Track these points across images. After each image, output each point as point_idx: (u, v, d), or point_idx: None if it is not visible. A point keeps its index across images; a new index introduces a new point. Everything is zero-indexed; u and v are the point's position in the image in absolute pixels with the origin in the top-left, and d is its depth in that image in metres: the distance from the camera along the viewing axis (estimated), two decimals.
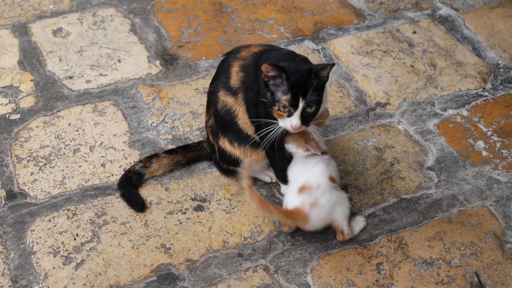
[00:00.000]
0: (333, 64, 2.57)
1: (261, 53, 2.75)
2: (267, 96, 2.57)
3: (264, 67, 2.49)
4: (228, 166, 2.95)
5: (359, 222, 2.83)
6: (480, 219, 2.89)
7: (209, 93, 2.90)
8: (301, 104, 2.53)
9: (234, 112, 2.75)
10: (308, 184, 2.67)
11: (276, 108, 2.55)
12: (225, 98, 2.76)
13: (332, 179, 2.73)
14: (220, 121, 2.81)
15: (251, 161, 2.82)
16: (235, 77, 2.73)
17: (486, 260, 2.73)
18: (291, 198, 2.70)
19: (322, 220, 2.69)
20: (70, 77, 3.54)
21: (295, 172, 2.81)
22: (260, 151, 2.81)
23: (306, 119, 2.58)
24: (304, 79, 2.52)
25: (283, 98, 2.53)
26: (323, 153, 2.80)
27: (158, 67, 3.62)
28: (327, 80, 2.59)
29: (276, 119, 2.59)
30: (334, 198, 2.69)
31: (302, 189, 2.67)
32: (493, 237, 2.82)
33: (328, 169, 2.74)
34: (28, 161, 3.08)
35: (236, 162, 2.86)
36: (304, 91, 2.52)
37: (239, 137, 2.80)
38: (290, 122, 2.56)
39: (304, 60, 2.68)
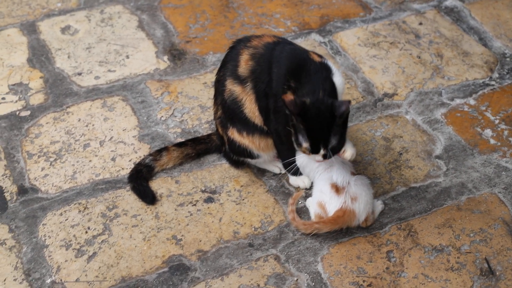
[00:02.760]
0: (349, 102, 2.54)
1: (275, 44, 2.74)
2: (291, 128, 2.60)
3: (286, 99, 2.49)
4: (238, 157, 2.96)
5: (378, 206, 2.85)
6: (489, 206, 2.90)
7: (215, 82, 2.91)
8: (322, 151, 2.57)
9: (241, 101, 2.76)
10: (339, 184, 2.72)
11: (298, 148, 2.62)
12: (232, 87, 2.77)
13: (352, 173, 2.80)
14: (227, 111, 2.82)
15: (298, 195, 2.86)
16: (244, 65, 2.73)
17: (495, 246, 2.74)
18: (330, 202, 2.72)
19: (364, 210, 2.72)
20: (79, 74, 3.56)
21: (315, 178, 2.86)
22: (270, 140, 2.83)
23: (328, 155, 2.61)
24: (326, 124, 2.53)
25: (304, 145, 2.57)
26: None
27: (166, 62, 3.65)
28: (348, 113, 2.60)
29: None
30: (365, 185, 2.75)
31: (337, 191, 2.70)
32: (502, 224, 2.83)
33: (346, 165, 2.81)
34: (39, 156, 3.11)
35: (245, 152, 2.88)
36: (325, 139, 2.55)
37: (247, 126, 2.81)
38: (314, 158, 2.63)
39: (326, 78, 2.61)
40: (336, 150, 2.61)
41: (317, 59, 2.67)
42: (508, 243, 2.75)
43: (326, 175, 2.78)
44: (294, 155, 2.86)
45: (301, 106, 2.49)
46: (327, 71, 2.63)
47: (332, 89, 2.59)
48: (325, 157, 2.61)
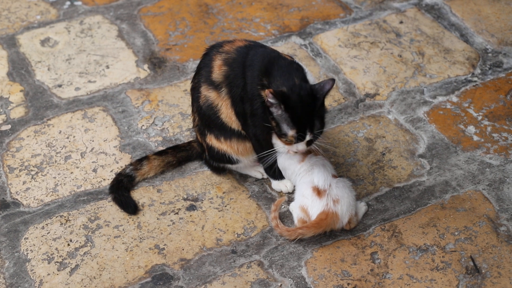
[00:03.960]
0: (334, 80, 2.57)
1: (247, 48, 2.75)
2: (272, 123, 2.59)
3: (268, 93, 2.48)
4: (218, 164, 2.95)
5: (361, 208, 2.84)
6: (473, 204, 2.88)
7: (191, 89, 2.90)
8: (308, 137, 2.58)
9: (216, 106, 2.75)
10: (320, 187, 2.70)
11: (282, 139, 2.60)
12: (207, 93, 2.76)
13: (333, 176, 2.78)
14: (203, 117, 2.81)
15: (280, 201, 2.86)
16: (218, 71, 2.72)
17: (480, 244, 2.73)
18: (312, 205, 2.70)
19: (346, 212, 2.71)
20: (59, 86, 3.54)
21: (296, 182, 2.84)
22: (248, 143, 2.81)
23: (311, 142, 2.63)
24: (309, 108, 2.54)
25: (290, 134, 2.56)
26: (312, 152, 2.84)
27: (146, 70, 3.63)
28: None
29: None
30: (346, 187, 2.74)
31: (318, 194, 2.68)
32: (487, 221, 2.81)
33: (327, 168, 2.79)
34: (20, 170, 3.09)
35: (225, 157, 2.86)
36: (311, 123, 2.55)
37: (224, 131, 2.80)
38: (296, 147, 2.63)
39: (298, 69, 2.65)
40: (319, 134, 2.62)
41: (288, 58, 2.70)
42: (493, 240, 2.73)
43: (307, 178, 2.76)
44: (274, 158, 2.85)
45: (281, 95, 2.49)
46: (299, 66, 2.66)
47: (304, 78, 2.60)
48: (309, 143, 2.61)
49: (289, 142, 2.61)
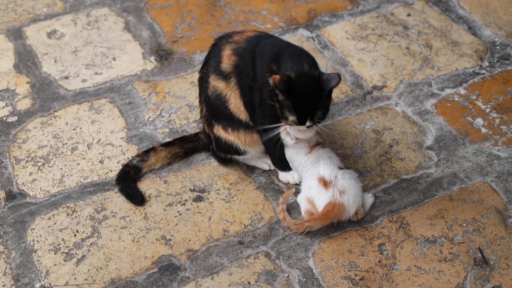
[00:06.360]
0: (340, 77, 2.54)
1: (257, 38, 2.73)
2: (275, 104, 2.57)
3: (276, 79, 2.46)
4: (225, 155, 2.94)
5: (368, 199, 2.83)
6: (481, 195, 2.87)
7: (199, 80, 2.88)
8: (308, 123, 2.55)
9: (225, 96, 2.73)
10: (326, 179, 2.69)
11: (284, 120, 2.58)
12: (215, 83, 2.74)
13: (340, 168, 2.77)
14: (211, 107, 2.80)
15: (288, 193, 2.84)
16: (227, 60, 2.71)
17: (489, 235, 2.71)
18: (319, 197, 2.70)
19: (353, 203, 2.70)
20: (66, 77, 3.54)
21: (303, 174, 2.83)
22: (255, 134, 2.80)
23: (312, 126, 2.60)
24: (313, 96, 2.52)
25: (290, 118, 2.54)
26: (319, 144, 2.83)
27: (153, 62, 3.62)
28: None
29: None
30: (352, 178, 2.73)
31: (325, 185, 2.67)
32: (495, 212, 2.80)
33: (333, 159, 2.78)
34: (26, 161, 3.08)
35: (232, 148, 2.85)
36: (312, 111, 2.53)
37: (232, 122, 2.78)
38: (298, 129, 2.62)
39: (308, 55, 2.64)
40: (321, 120, 2.60)
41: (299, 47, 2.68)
42: (502, 232, 2.72)
43: (313, 170, 2.75)
44: (282, 150, 2.84)
45: (287, 80, 2.47)
46: (309, 54, 2.65)
47: (314, 64, 2.59)
48: (309, 127, 2.59)
49: (289, 124, 2.59)
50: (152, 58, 3.65)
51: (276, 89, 2.48)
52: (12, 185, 2.98)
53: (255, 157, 2.95)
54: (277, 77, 2.45)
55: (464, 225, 2.75)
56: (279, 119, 2.60)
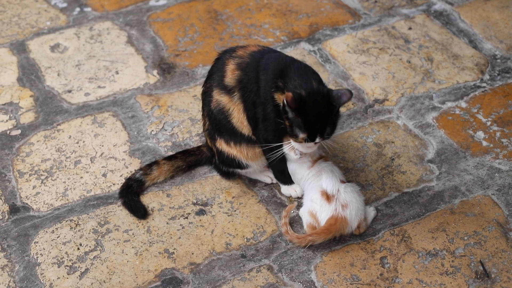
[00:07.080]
0: (351, 93, 2.56)
1: (261, 53, 2.75)
2: (285, 122, 2.59)
3: (288, 97, 2.47)
4: (228, 168, 2.95)
5: (370, 213, 2.84)
6: (482, 208, 2.88)
7: (202, 94, 2.90)
8: (318, 139, 2.59)
9: (228, 110, 2.75)
10: (329, 192, 2.71)
11: (293, 138, 2.61)
12: (219, 97, 2.76)
13: (342, 182, 2.78)
14: (213, 121, 2.82)
15: (291, 207, 2.85)
16: (231, 75, 2.72)
17: (490, 248, 2.72)
18: (321, 210, 2.70)
19: (355, 217, 2.71)
20: (69, 91, 3.56)
21: (305, 187, 2.85)
22: (258, 148, 2.82)
23: (319, 141, 2.64)
24: (323, 114, 2.55)
25: (300, 136, 2.57)
26: (321, 157, 2.85)
27: (155, 76, 3.64)
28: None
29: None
30: (355, 192, 2.74)
31: (327, 199, 2.69)
32: (497, 226, 2.81)
33: (335, 173, 2.80)
34: (30, 175, 3.10)
35: (234, 162, 2.87)
36: (322, 128, 2.56)
37: (234, 136, 2.80)
38: (306, 146, 2.64)
39: (314, 72, 2.67)
40: (329, 136, 2.63)
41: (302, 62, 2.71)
42: (503, 245, 2.73)
43: (315, 183, 2.77)
44: (284, 164, 2.85)
45: (299, 99, 2.49)
46: (314, 70, 2.67)
47: (321, 82, 2.62)
48: (317, 143, 2.63)
49: (298, 142, 2.61)
50: (155, 72, 3.67)
51: (287, 107, 2.50)
52: (16, 199, 3.00)
53: (257, 171, 2.97)
54: (289, 95, 2.47)
55: (466, 238, 2.76)
56: (284, 134, 2.62)
